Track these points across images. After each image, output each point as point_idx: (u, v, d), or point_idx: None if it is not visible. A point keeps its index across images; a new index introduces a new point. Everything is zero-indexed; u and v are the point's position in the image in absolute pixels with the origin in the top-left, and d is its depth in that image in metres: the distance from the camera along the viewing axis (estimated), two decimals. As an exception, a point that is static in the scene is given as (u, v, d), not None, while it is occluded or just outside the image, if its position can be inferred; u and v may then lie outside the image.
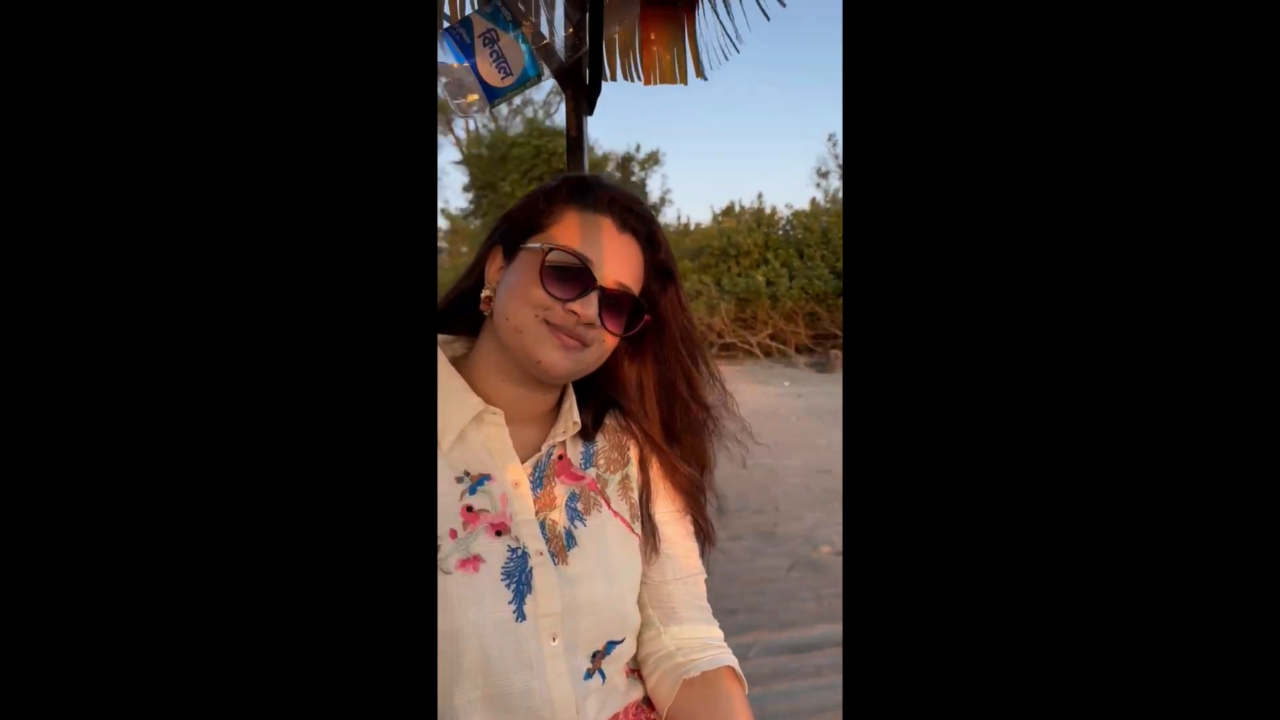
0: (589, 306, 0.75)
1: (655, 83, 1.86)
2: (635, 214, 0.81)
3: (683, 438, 0.88)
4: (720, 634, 0.89)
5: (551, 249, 0.76)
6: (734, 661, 0.85)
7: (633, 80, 1.86)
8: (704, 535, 0.91)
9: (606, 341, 0.79)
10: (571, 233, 0.78)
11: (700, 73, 1.92)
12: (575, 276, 0.75)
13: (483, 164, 12.54)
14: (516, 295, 0.77)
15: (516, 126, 12.96)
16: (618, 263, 0.78)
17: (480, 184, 12.62)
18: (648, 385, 0.87)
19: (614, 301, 0.78)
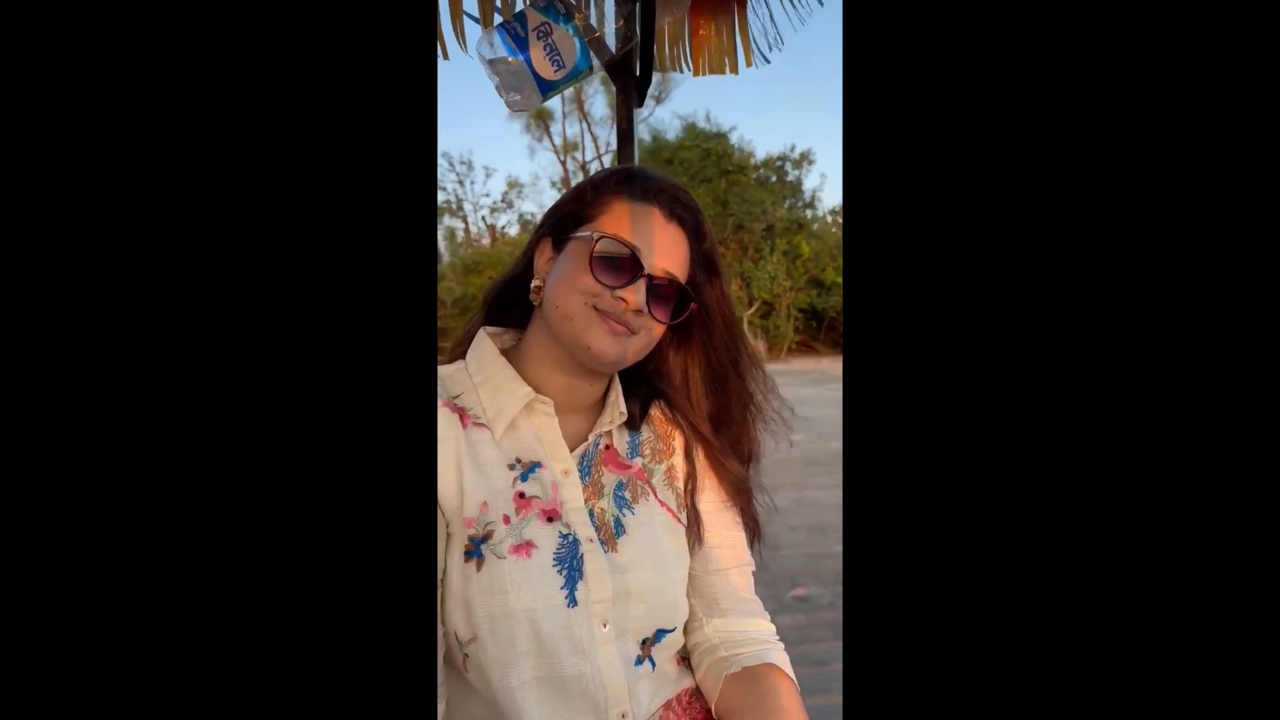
0: (637, 294, 0.76)
1: (703, 73, 1.84)
2: (682, 204, 0.82)
3: (730, 427, 0.88)
4: (770, 627, 0.87)
5: (601, 237, 0.77)
6: (780, 657, 0.84)
7: (681, 70, 1.86)
8: (751, 528, 0.90)
9: (654, 329, 0.80)
10: (620, 222, 0.79)
11: (750, 61, 1.90)
12: (623, 264, 0.77)
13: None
14: (566, 283, 0.78)
15: (675, 129, 13.09)
16: (665, 251, 0.79)
17: None
18: (694, 375, 0.88)
19: (661, 289, 0.79)
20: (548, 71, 1.16)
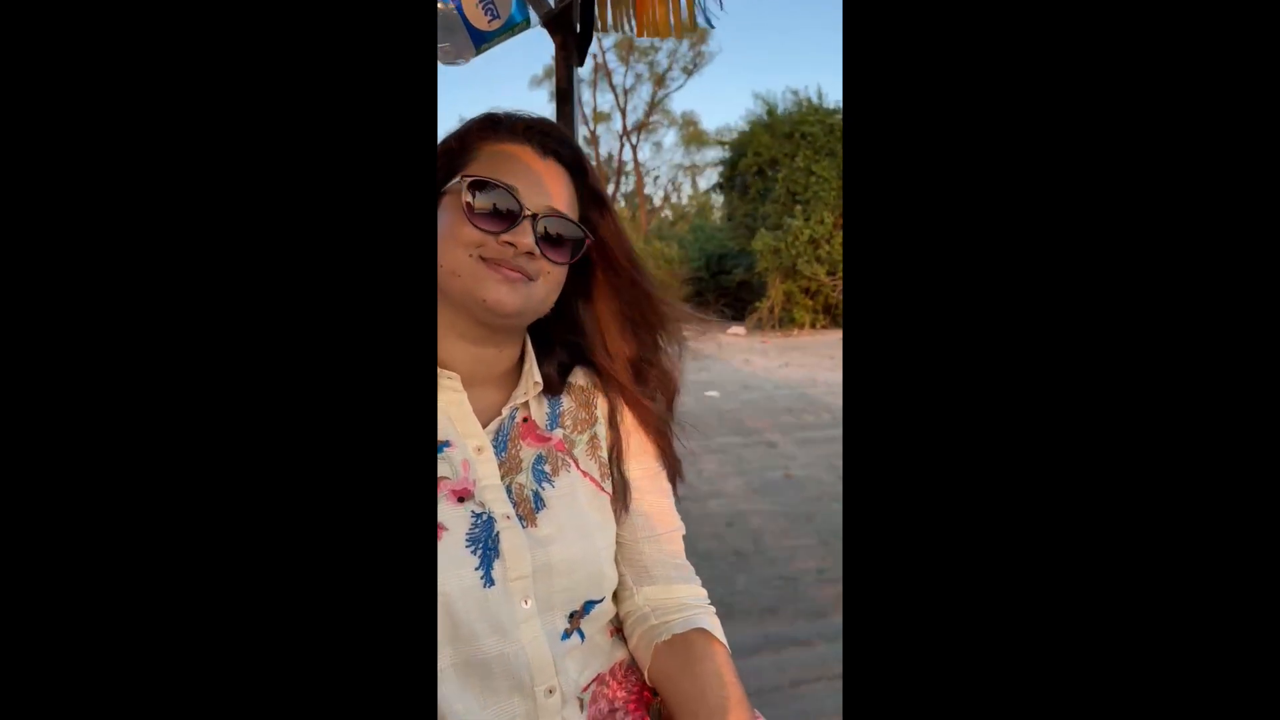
0: (524, 235, 0.73)
1: (648, 35, 1.87)
2: (555, 138, 0.80)
3: (653, 368, 0.87)
4: (701, 592, 0.86)
5: (473, 181, 0.74)
6: (710, 622, 0.83)
7: (625, 31, 1.86)
8: (671, 467, 0.89)
9: (553, 273, 0.77)
10: (492, 166, 0.76)
11: (694, 24, 1.93)
12: (503, 206, 0.73)
13: (765, 141, 12.90)
14: (447, 239, 0.74)
15: (787, 103, 13.32)
16: (546, 189, 0.76)
17: (767, 160, 13.00)
18: (606, 319, 0.85)
19: (550, 228, 0.76)
20: (480, 21, 1.19)
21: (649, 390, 0.86)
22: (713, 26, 1.96)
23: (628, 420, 0.86)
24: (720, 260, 14.42)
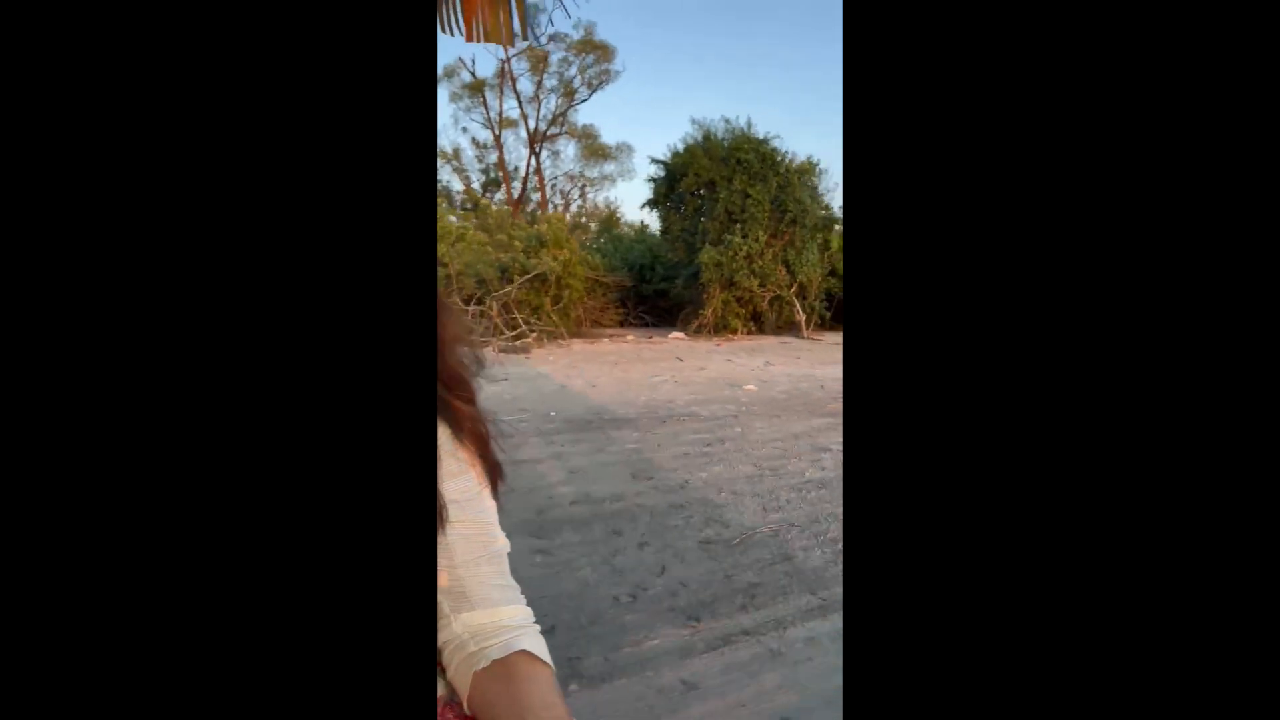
0: None
1: (478, 40, 2.01)
2: None
3: (444, 366, 0.83)
4: (525, 612, 0.83)
5: None
6: (533, 643, 0.79)
7: (453, 35, 2.03)
8: (492, 471, 0.86)
9: None
10: None
11: (525, 35, 2.11)
12: None
13: (705, 164, 13.74)
14: None
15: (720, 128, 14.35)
16: None
17: (705, 181, 13.78)
18: None
19: None
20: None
21: (452, 391, 0.83)
22: (541, 43, 2.19)
23: (443, 437, 0.81)
24: (642, 270, 15.15)
